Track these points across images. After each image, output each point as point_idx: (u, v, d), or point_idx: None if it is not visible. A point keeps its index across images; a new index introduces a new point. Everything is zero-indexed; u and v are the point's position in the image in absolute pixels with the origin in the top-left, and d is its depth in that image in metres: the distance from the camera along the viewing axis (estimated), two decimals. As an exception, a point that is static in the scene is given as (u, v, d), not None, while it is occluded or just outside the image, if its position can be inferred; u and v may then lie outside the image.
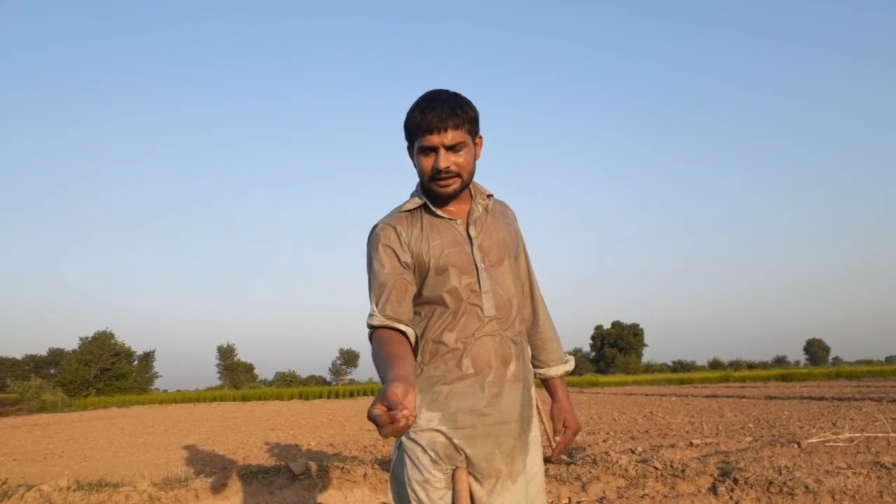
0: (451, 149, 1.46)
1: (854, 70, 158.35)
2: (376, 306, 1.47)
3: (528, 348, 1.66)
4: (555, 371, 1.70)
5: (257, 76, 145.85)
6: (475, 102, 1.54)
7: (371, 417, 1.01)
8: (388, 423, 0.99)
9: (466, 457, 1.47)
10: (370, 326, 1.47)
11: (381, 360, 1.32)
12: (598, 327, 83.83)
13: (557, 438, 1.65)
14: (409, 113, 1.48)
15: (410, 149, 1.53)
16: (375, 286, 1.49)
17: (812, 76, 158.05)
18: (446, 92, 1.49)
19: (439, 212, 1.54)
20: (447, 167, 1.45)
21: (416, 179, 1.59)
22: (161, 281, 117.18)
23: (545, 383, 1.72)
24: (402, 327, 1.45)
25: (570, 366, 1.73)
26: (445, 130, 1.43)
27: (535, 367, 1.71)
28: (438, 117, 1.42)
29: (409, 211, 1.56)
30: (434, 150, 1.46)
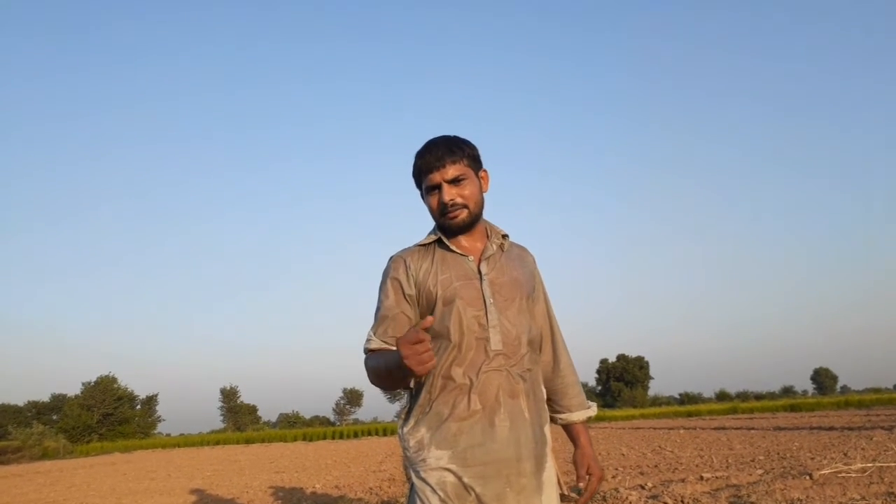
0: (454, 182, 1.56)
1: (854, 89, 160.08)
2: (374, 333, 1.58)
3: (542, 388, 1.66)
4: (577, 416, 1.69)
5: (274, 109, 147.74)
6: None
7: (406, 350, 1.23)
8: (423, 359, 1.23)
9: (476, 496, 1.45)
10: (367, 351, 1.57)
11: (380, 357, 1.48)
12: (604, 361, 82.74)
13: (581, 485, 1.64)
14: (413, 161, 1.61)
15: (421, 194, 1.64)
16: (377, 317, 1.60)
17: (813, 97, 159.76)
18: (443, 136, 1.62)
19: (453, 247, 1.61)
20: (452, 199, 1.55)
21: (430, 224, 1.67)
22: (163, 324, 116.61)
23: (567, 429, 1.71)
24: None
25: (593, 411, 1.72)
26: (444, 167, 1.55)
27: (556, 412, 1.70)
28: (435, 156, 1.55)
29: (424, 245, 1.65)
30: (438, 187, 1.57)
